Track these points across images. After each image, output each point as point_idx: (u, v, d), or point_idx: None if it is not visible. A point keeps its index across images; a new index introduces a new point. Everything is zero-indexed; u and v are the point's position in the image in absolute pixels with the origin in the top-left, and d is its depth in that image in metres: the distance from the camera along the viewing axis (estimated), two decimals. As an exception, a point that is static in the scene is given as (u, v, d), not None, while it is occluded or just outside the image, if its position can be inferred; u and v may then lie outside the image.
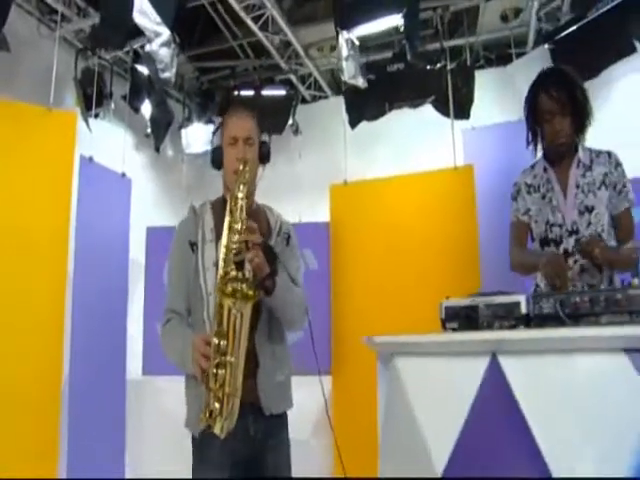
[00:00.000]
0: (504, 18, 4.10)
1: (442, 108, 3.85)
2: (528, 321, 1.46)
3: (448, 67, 3.82)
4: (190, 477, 1.59)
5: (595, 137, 3.54)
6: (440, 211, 3.67)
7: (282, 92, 4.33)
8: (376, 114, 3.89)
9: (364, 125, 4.13)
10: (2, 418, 2.68)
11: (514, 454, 1.18)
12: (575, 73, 2.03)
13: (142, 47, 3.76)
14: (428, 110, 4.07)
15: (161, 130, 4.31)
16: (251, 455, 1.56)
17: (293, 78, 4.59)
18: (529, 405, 1.16)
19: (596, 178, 1.97)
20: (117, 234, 3.88)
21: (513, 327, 1.43)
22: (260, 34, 3.91)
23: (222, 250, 1.46)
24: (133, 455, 3.89)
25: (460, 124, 4.00)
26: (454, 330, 1.50)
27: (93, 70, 3.88)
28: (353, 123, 3.99)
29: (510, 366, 1.19)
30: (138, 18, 3.18)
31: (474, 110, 3.97)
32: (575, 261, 1.93)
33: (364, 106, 3.91)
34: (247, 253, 1.43)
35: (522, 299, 1.47)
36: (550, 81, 1.98)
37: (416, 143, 4.37)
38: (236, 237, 1.45)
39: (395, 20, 3.17)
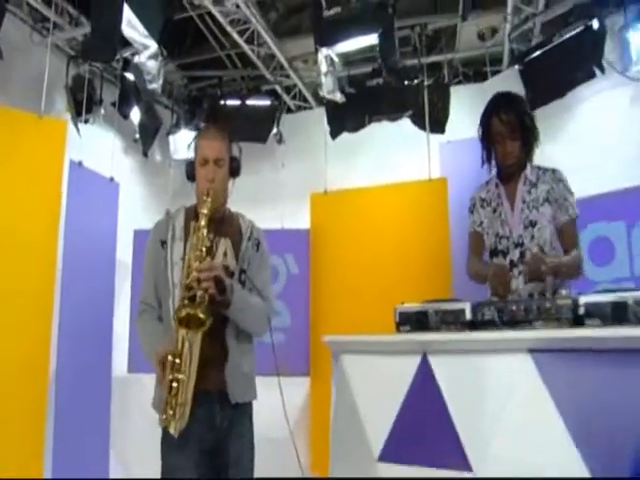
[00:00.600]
0: (481, 37, 4.28)
1: (419, 122, 4.03)
2: (473, 326, 1.63)
3: (425, 83, 4.00)
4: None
5: (560, 156, 3.75)
6: (415, 220, 3.85)
7: (267, 102, 4.49)
8: (356, 126, 4.06)
9: (346, 136, 4.30)
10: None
11: (438, 441, 1.35)
12: (523, 99, 2.21)
13: (133, 54, 3.89)
14: (407, 123, 4.24)
15: (149, 136, 4.45)
16: (216, 442, 1.73)
17: (278, 88, 4.75)
18: (452, 398, 1.34)
19: (540, 195, 2.15)
20: (105, 236, 4.01)
21: (459, 331, 1.58)
22: (246, 47, 4.07)
23: (184, 272, 1.68)
24: (118, 452, 3.97)
25: (438, 137, 4.18)
26: (408, 332, 1.67)
27: (84, 77, 3.98)
28: (334, 134, 4.16)
29: (437, 364, 1.37)
30: (127, 30, 3.32)
31: (451, 124, 4.14)
32: (520, 272, 2.10)
33: (345, 118, 4.08)
34: (199, 290, 1.61)
35: (467, 306, 1.64)
36: (501, 106, 2.16)
37: (395, 155, 4.53)
38: (196, 264, 1.65)
39: (372, 39, 3.34)
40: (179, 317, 1.58)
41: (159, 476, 1.74)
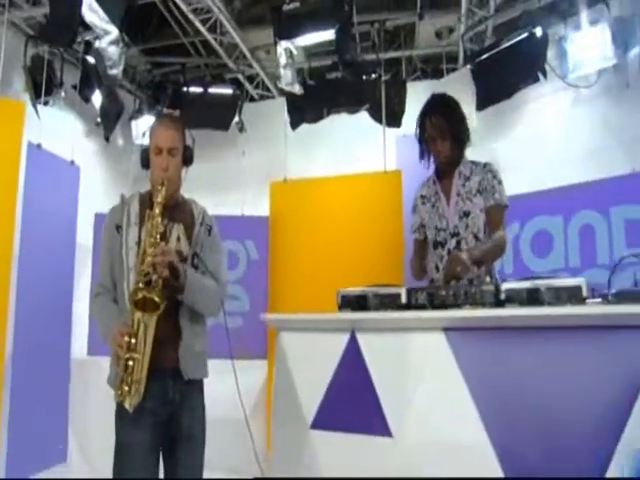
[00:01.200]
0: (439, 35, 4.45)
1: (376, 116, 4.18)
2: (407, 309, 1.79)
3: (383, 78, 4.14)
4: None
5: (507, 154, 3.97)
6: (370, 210, 4.02)
7: (229, 91, 4.56)
8: (315, 117, 4.18)
9: (306, 126, 4.42)
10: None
11: (363, 409, 1.51)
12: (455, 102, 2.37)
13: (95, 38, 3.85)
14: (366, 116, 4.39)
15: (111, 120, 4.45)
16: (169, 415, 1.84)
17: (241, 77, 4.82)
18: (375, 371, 1.50)
19: (473, 186, 2.32)
20: (65, 219, 4.01)
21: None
22: (208, 35, 4.12)
23: (139, 257, 1.76)
24: (77, 433, 3.97)
25: (395, 131, 4.35)
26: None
27: (43, 57, 3.91)
28: (294, 125, 4.27)
29: (364, 340, 1.53)
30: (87, 15, 3.32)
31: (407, 118, 4.31)
32: None
33: (304, 109, 4.20)
34: (154, 274, 1.71)
35: (402, 291, 1.79)
36: (432, 110, 2.33)
37: (353, 147, 4.68)
38: (150, 250, 1.74)
39: (331, 34, 3.46)
40: (135, 300, 1.68)
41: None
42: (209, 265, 1.96)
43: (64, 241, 3.99)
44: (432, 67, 4.82)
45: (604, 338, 1.36)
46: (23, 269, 3.45)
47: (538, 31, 3.37)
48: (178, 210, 1.98)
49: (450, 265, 2.04)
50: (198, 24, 3.97)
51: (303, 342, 1.60)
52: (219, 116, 4.46)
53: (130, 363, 1.69)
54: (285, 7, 3.28)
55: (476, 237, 2.29)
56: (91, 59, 4.03)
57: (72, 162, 4.08)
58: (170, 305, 1.77)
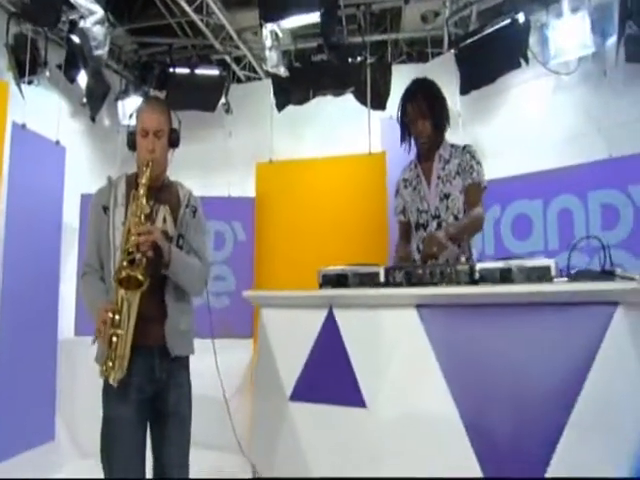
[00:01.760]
0: (424, 19, 4.47)
1: (362, 98, 4.21)
2: (386, 287, 1.86)
3: (368, 61, 4.17)
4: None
5: (490, 138, 4.03)
6: (355, 191, 4.10)
7: (216, 72, 4.56)
8: (301, 99, 4.21)
9: (293, 108, 4.44)
10: None
11: (339, 382, 1.60)
12: (436, 86, 2.42)
13: (80, 17, 3.81)
14: (351, 99, 4.42)
15: (97, 100, 4.42)
16: (155, 392, 1.90)
17: (227, 59, 4.81)
18: (351, 346, 1.58)
19: (452, 169, 2.39)
20: (50, 200, 4.00)
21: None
22: (195, 16, 4.10)
23: (124, 237, 1.81)
24: (65, 414, 4.00)
25: (380, 114, 4.39)
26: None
27: (26, 36, 3.85)
28: (280, 106, 4.29)
29: (341, 316, 1.61)
30: (72, -6, 3.30)
31: (392, 101, 4.35)
32: None
33: (290, 91, 4.22)
34: (138, 254, 1.76)
35: (381, 270, 1.86)
36: (414, 93, 2.38)
37: (339, 129, 4.71)
38: (135, 229, 1.78)
39: (316, 17, 3.47)
40: (119, 278, 1.73)
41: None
42: (193, 245, 2.02)
43: (50, 222, 3.99)
44: (418, 50, 4.85)
45: (567, 314, 1.44)
46: (9, 250, 3.46)
47: (521, 17, 3.42)
48: (164, 192, 2.03)
49: (427, 245, 2.11)
50: (184, 4, 3.95)
51: (283, 318, 1.67)
52: (206, 97, 4.47)
53: (114, 339, 1.75)
54: (271, -11, 3.28)
55: (456, 218, 2.37)
56: (76, 39, 3.99)
57: (57, 142, 4.07)
58: (156, 284, 1.84)
